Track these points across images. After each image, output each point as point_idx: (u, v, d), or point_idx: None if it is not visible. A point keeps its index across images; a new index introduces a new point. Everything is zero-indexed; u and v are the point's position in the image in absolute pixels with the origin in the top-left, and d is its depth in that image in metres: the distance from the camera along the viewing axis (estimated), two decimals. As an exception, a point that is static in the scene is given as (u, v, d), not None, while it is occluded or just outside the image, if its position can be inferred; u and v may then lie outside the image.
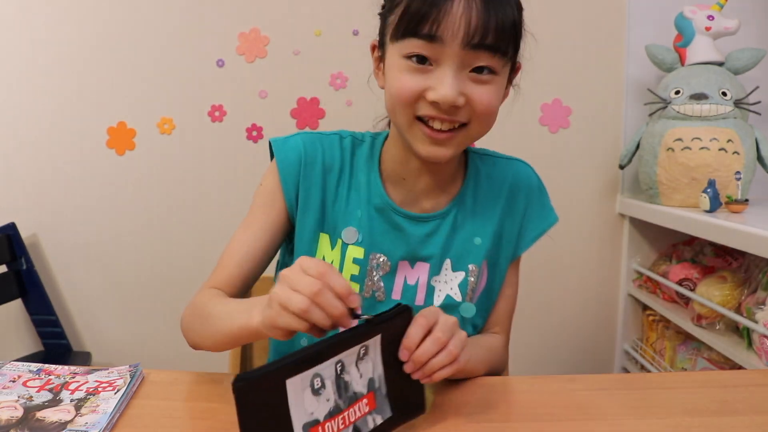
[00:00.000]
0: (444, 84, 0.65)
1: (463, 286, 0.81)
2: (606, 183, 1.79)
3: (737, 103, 1.46)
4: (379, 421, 0.57)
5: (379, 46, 0.74)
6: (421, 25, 0.64)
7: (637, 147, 1.61)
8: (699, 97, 1.46)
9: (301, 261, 0.54)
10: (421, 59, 0.66)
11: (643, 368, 1.67)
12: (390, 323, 0.57)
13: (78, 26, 1.73)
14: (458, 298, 0.80)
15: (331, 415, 0.53)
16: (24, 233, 1.74)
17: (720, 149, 1.43)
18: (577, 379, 0.64)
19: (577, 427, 0.60)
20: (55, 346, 1.78)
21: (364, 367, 0.56)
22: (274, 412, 0.49)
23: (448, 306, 0.80)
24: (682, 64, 1.57)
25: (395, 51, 0.68)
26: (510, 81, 0.76)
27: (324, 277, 0.52)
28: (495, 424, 0.61)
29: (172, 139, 1.77)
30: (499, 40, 0.65)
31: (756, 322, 1.13)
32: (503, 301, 0.86)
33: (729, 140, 1.43)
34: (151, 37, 1.73)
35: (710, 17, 1.52)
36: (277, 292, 0.53)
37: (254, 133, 1.76)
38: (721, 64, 1.53)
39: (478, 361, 0.74)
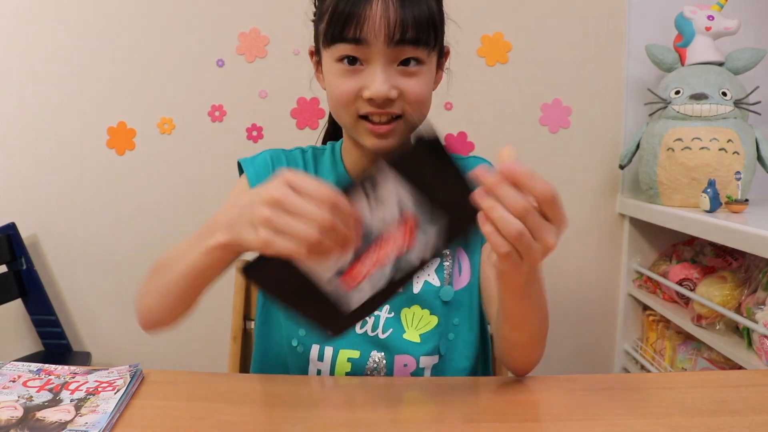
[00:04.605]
0: (375, 81, 0.70)
1: (440, 271, 0.84)
2: (606, 183, 1.79)
3: (737, 103, 1.46)
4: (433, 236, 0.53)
5: (316, 52, 0.80)
6: (346, 30, 0.69)
7: (637, 147, 1.61)
8: (699, 97, 1.46)
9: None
10: (352, 60, 0.72)
11: (643, 368, 1.66)
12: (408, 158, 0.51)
13: (78, 26, 1.73)
14: (437, 283, 0.83)
15: (357, 256, 0.51)
16: (24, 233, 1.74)
17: (720, 149, 1.43)
18: (577, 379, 0.64)
19: (577, 427, 0.60)
20: (55, 346, 1.78)
21: (384, 197, 0.52)
22: (293, 274, 0.50)
23: (429, 291, 0.83)
24: (682, 64, 1.57)
25: (328, 56, 0.74)
26: (441, 66, 0.82)
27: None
28: (495, 424, 0.61)
29: (172, 139, 1.77)
30: (419, 33, 0.70)
31: (756, 322, 1.13)
32: None
33: (729, 140, 1.43)
34: (152, 37, 1.73)
35: (710, 17, 1.52)
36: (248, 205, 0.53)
37: (254, 133, 1.76)
38: (721, 64, 1.53)
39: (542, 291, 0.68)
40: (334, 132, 0.98)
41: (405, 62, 0.72)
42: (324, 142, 0.98)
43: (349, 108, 0.74)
